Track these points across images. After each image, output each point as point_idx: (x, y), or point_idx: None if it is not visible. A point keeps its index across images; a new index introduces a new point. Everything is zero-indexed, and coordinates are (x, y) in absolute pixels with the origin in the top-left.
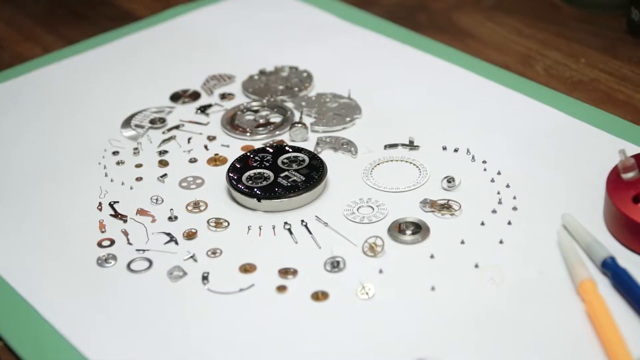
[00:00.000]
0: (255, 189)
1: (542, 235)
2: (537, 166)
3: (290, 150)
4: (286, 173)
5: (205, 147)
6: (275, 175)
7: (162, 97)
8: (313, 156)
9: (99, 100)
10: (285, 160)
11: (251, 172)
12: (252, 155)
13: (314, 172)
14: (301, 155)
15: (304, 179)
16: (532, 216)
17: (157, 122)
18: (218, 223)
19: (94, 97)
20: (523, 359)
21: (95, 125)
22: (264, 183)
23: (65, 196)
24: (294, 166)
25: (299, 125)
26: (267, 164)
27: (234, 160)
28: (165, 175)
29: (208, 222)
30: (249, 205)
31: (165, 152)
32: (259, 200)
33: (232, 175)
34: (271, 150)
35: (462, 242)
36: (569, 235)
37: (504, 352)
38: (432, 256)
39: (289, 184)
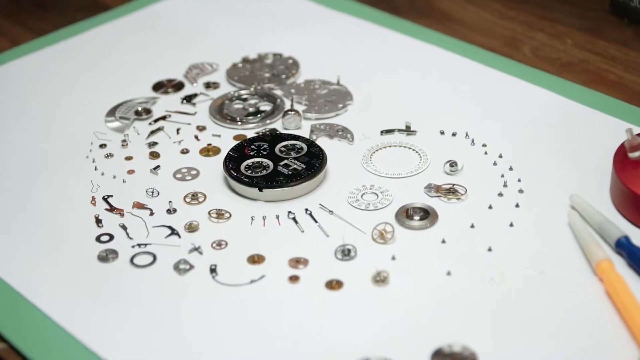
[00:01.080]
0: (256, 179)
1: (552, 217)
2: (537, 148)
3: (281, 136)
4: (286, 161)
5: (196, 137)
6: (275, 164)
7: (144, 88)
8: (311, 144)
9: (78, 92)
10: (283, 149)
11: (249, 162)
12: (248, 144)
13: (314, 160)
14: (299, 143)
15: (304, 166)
16: (539, 198)
17: (143, 113)
18: (219, 214)
19: (72, 89)
20: (544, 341)
21: (77, 118)
22: (264, 172)
23: (56, 192)
24: (293, 154)
25: (292, 112)
26: (265, 153)
27: (230, 150)
28: (158, 167)
29: (209, 213)
30: (250, 195)
31: (155, 143)
32: (260, 189)
33: (230, 165)
34: (267, 139)
35: (472, 226)
36: (580, 216)
37: (524, 336)
38: (443, 241)
39: (289, 173)
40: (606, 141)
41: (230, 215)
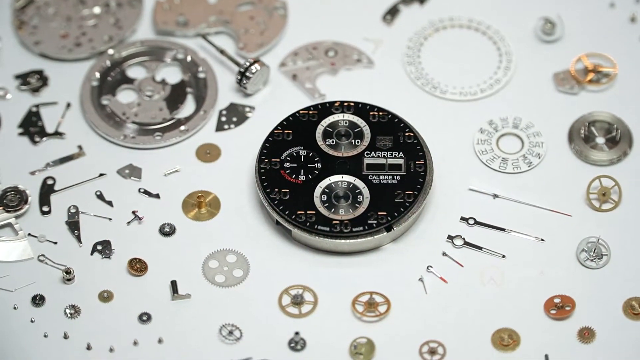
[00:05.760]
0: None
1: None
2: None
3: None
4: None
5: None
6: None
7: None
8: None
9: None
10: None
11: (320, 190)
12: (279, 166)
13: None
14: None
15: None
16: None
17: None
18: (372, 305)
19: None
20: None
21: None
22: (348, 202)
23: None
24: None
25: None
26: (317, 166)
27: (264, 188)
28: (175, 286)
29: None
30: (365, 246)
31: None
32: (389, 229)
33: (299, 214)
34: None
35: None
36: None
37: None
38: None
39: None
40: None
41: (389, 304)
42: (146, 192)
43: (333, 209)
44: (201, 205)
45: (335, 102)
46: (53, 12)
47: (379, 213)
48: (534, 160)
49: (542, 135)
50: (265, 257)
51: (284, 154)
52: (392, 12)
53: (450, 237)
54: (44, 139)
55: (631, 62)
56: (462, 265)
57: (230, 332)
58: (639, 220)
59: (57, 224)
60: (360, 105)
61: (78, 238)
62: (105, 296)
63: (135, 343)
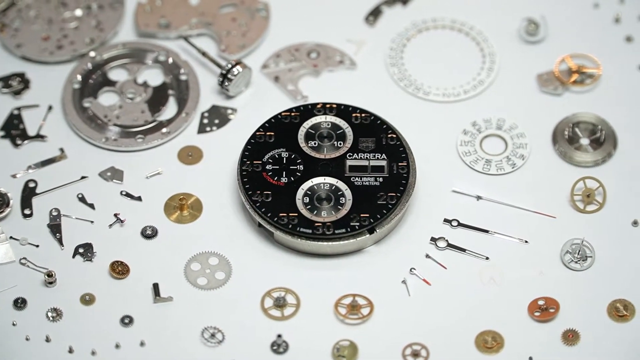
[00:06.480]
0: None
1: None
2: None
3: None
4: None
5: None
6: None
7: None
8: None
9: None
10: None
11: (302, 192)
12: (259, 167)
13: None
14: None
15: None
16: None
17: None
18: (355, 307)
19: None
20: None
21: None
22: (331, 204)
23: None
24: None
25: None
26: (299, 168)
27: (246, 190)
28: (158, 291)
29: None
30: (347, 249)
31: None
32: (372, 231)
33: (281, 216)
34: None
35: None
36: None
37: None
38: None
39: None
40: None
41: (371, 307)
42: (128, 195)
43: (315, 211)
44: (183, 207)
45: (318, 103)
46: (34, 14)
47: (362, 215)
48: (517, 162)
49: (526, 137)
50: (247, 260)
51: (266, 156)
52: (375, 13)
53: (433, 239)
54: (26, 141)
55: (615, 63)
56: (445, 268)
57: (213, 335)
58: (623, 221)
59: (38, 227)
60: (342, 106)
61: (60, 241)
62: (87, 299)
63: (117, 346)
